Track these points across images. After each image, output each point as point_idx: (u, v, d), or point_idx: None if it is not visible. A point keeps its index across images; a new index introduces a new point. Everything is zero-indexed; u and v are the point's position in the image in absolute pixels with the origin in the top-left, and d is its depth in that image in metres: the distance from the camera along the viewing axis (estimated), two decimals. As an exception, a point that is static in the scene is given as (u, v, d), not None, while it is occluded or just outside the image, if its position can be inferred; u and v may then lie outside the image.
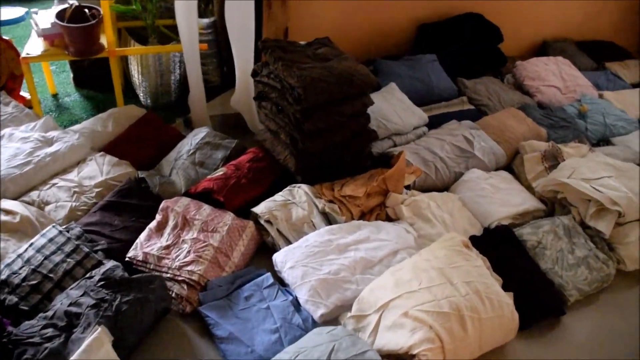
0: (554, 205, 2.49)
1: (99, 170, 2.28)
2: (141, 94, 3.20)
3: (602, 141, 3.14)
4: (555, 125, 3.02)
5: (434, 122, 2.88)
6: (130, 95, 3.24)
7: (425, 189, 2.49)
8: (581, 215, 2.35)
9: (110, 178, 2.25)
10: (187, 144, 2.53)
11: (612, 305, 2.20)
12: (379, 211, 2.32)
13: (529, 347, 1.97)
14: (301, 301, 1.87)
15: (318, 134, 2.29)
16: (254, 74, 2.50)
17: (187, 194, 2.26)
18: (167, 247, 1.97)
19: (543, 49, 4.04)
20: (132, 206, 2.16)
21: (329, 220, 2.23)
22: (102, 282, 1.66)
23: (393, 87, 2.92)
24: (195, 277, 1.86)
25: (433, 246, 2.00)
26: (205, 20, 3.19)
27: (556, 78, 3.45)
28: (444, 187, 2.57)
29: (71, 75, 3.36)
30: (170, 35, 3.10)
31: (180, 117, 3.02)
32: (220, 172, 2.34)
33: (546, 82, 3.38)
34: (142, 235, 2.02)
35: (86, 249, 1.83)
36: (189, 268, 1.88)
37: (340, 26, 3.30)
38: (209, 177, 2.32)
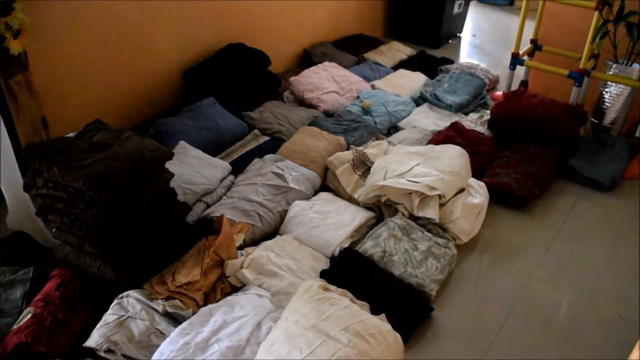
0: (381, 208, 2.52)
1: None
2: None
3: (391, 129, 3.29)
4: (348, 129, 3.08)
5: (238, 167, 2.74)
6: None
7: (257, 241, 2.35)
8: (408, 209, 2.41)
9: None
10: (-30, 296, 2.05)
11: (460, 280, 2.30)
12: (222, 285, 2.12)
13: (415, 355, 1.96)
14: None
15: (127, 231, 2.00)
16: (27, 187, 2.11)
17: (-7, 360, 1.83)
18: None
19: (306, 57, 4.13)
20: None
21: (175, 319, 1.98)
22: None
23: (184, 146, 2.71)
24: None
25: (294, 304, 1.86)
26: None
27: (331, 83, 3.54)
28: (274, 231, 2.45)
29: None
30: None
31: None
32: (27, 315, 1.92)
33: (323, 89, 3.44)
34: None
35: None
36: None
37: (103, 98, 2.99)
38: (15, 327, 1.89)
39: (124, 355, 1.82)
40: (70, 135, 2.20)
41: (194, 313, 1.96)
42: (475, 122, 3.27)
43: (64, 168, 1.91)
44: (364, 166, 2.64)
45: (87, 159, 1.97)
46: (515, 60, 3.45)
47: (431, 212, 2.35)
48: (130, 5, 2.91)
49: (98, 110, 2.96)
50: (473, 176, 2.68)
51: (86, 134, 2.17)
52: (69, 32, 2.72)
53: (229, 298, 2.03)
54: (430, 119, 3.31)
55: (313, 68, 3.66)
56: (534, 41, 3.59)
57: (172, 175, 2.19)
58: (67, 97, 2.82)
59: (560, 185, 2.91)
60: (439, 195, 2.37)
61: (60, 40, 2.70)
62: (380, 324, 1.80)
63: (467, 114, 3.43)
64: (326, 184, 2.73)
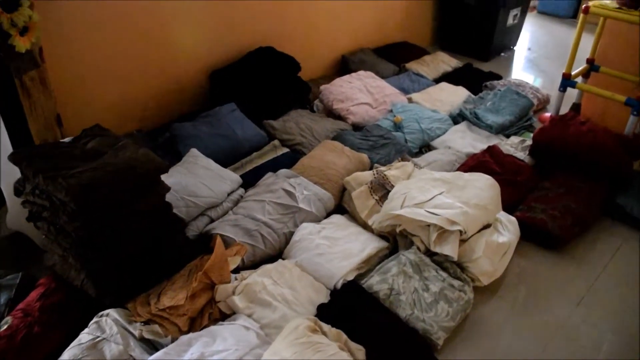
0: (396, 238, 2.30)
1: None
2: None
3: (423, 147, 3.06)
4: (375, 146, 2.87)
5: (251, 179, 2.57)
6: None
7: (258, 263, 2.19)
8: (425, 243, 2.18)
9: None
10: (-47, 298, 1.98)
11: (474, 329, 2.06)
12: (210, 309, 1.96)
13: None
14: None
15: (113, 246, 1.88)
16: (17, 192, 2.02)
17: (-43, 374, 1.73)
18: None
19: (344, 64, 3.93)
20: None
21: (153, 345, 1.83)
22: None
23: (195, 154, 2.57)
24: None
25: (277, 345, 1.68)
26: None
27: (363, 94, 3.33)
28: (278, 254, 2.27)
29: None
30: None
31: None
32: (4, 326, 1.84)
33: (355, 100, 3.24)
34: None
35: None
36: None
37: (124, 97, 2.89)
38: (-11, 337, 1.80)
39: (92, 381, 1.70)
40: (66, 140, 2.09)
41: (173, 340, 1.81)
42: (516, 146, 2.99)
43: (49, 177, 1.79)
44: (382, 190, 2.43)
45: (74, 167, 1.84)
46: (566, 81, 3.13)
47: (449, 249, 2.11)
48: (155, 5, 2.79)
49: (118, 109, 2.87)
50: (506, 208, 2.42)
51: (81, 140, 2.05)
52: (91, 31, 2.64)
53: (212, 328, 1.86)
54: (467, 140, 3.05)
55: (346, 77, 3.45)
56: (590, 61, 3.26)
57: (168, 188, 2.05)
58: (86, 95, 2.74)
59: (605, 225, 2.60)
60: (460, 231, 2.13)
61: (81, 38, 2.62)
62: (369, 379, 1.60)
63: (508, 136, 3.15)
64: (342, 204, 2.54)
